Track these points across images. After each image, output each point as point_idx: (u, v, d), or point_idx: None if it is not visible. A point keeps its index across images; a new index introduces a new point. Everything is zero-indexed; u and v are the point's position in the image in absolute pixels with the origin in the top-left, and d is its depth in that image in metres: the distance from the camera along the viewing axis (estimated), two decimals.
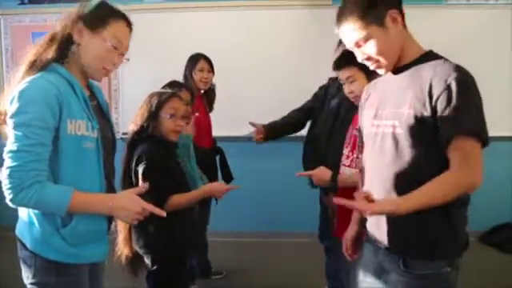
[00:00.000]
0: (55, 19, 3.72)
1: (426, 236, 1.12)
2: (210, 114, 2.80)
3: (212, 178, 2.54)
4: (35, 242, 1.17)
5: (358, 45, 1.16)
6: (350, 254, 1.46)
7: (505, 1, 3.38)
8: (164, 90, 1.88)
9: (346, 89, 1.71)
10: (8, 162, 1.06)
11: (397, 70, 1.19)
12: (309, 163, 2.23)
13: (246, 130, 2.58)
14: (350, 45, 1.19)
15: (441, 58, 1.16)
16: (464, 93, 1.05)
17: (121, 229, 1.76)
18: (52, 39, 1.20)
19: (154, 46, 3.55)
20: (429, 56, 1.17)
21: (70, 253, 1.18)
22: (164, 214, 1.21)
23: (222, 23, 3.52)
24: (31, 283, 1.19)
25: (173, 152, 1.84)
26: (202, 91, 2.68)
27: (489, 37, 3.37)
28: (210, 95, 2.77)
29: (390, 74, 1.22)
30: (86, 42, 1.20)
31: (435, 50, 1.22)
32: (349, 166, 1.73)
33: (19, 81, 1.14)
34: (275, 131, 2.42)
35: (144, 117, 1.74)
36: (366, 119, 1.30)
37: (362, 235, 1.39)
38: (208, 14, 3.53)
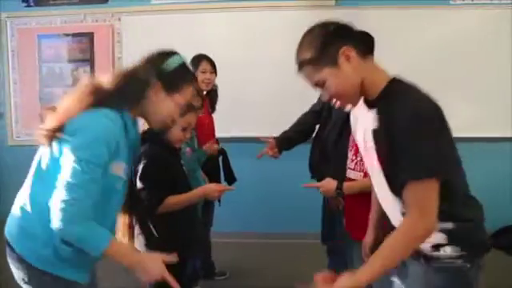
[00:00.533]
0: (60, 21, 3.78)
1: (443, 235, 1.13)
2: (213, 115, 2.80)
3: (215, 179, 2.54)
4: (27, 250, 1.20)
5: (317, 87, 1.16)
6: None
7: (510, 0, 3.35)
8: None
9: (325, 96, 1.72)
10: (62, 193, 1.09)
11: (369, 104, 1.17)
12: (316, 166, 2.22)
13: (249, 131, 2.58)
14: (312, 87, 1.18)
15: (403, 87, 1.13)
16: (415, 133, 1.03)
17: (120, 227, 1.76)
18: (125, 79, 1.22)
19: (159, 47, 3.57)
20: (392, 86, 1.13)
21: (56, 264, 1.20)
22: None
23: (226, 24, 3.53)
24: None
25: (176, 154, 1.84)
26: (205, 92, 2.68)
27: (493, 36, 3.34)
28: (212, 96, 2.76)
29: (365, 106, 1.20)
30: (159, 100, 1.25)
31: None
32: (353, 169, 1.75)
33: (85, 106, 1.16)
34: (289, 142, 2.33)
35: None
36: (359, 145, 1.30)
37: (380, 239, 1.40)
38: (213, 16, 3.55)
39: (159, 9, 3.58)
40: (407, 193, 1.07)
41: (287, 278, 2.82)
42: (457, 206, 1.13)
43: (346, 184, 1.73)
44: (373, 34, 1.45)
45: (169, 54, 1.28)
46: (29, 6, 3.77)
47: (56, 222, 1.09)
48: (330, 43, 1.10)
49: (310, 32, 1.15)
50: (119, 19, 3.65)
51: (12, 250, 1.22)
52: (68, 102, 1.19)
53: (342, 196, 1.76)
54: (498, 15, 3.35)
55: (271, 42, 3.47)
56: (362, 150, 1.28)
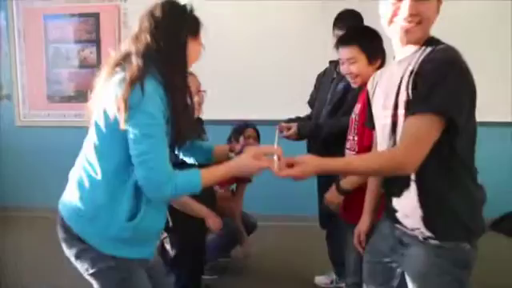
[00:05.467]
0: (65, 1, 3.72)
1: (447, 215, 1.12)
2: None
3: None
4: (95, 236, 1.20)
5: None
6: (363, 247, 1.47)
7: None
8: None
9: (345, 69, 1.71)
10: (138, 157, 1.13)
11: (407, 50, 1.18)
12: (313, 151, 2.21)
13: (253, 113, 2.57)
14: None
15: (439, 43, 1.13)
16: (437, 73, 1.04)
17: None
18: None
19: None
20: (428, 42, 1.14)
21: (125, 248, 1.22)
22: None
23: (232, 12, 3.46)
24: (91, 274, 1.22)
25: None
26: None
27: (491, 24, 3.29)
28: None
29: (394, 62, 1.22)
30: (191, 47, 1.26)
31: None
32: (349, 148, 1.73)
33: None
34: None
35: None
36: (376, 110, 1.29)
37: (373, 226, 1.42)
38: (216, 3, 3.48)
39: None
40: (405, 125, 1.07)
41: (290, 260, 2.86)
42: (466, 177, 1.12)
43: (344, 182, 1.68)
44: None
45: (177, 3, 1.27)
46: None
47: (149, 186, 1.14)
48: None
49: None
50: None
51: (68, 229, 1.21)
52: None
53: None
54: (497, 3, 3.28)
55: (276, 28, 3.41)
56: (380, 112, 1.25)
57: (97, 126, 1.18)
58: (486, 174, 1.20)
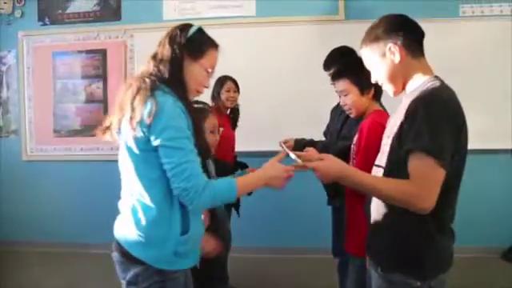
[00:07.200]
0: (74, 38, 3.82)
1: (404, 252, 1.19)
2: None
3: None
4: (155, 256, 1.23)
5: (370, 67, 1.30)
6: None
7: None
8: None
9: (341, 101, 1.83)
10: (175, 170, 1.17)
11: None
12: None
13: (261, 145, 2.59)
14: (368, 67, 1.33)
15: (435, 83, 1.20)
16: (424, 115, 1.10)
17: None
18: (161, 65, 1.34)
19: None
20: (431, 79, 1.23)
21: (182, 260, 1.29)
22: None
23: (237, 40, 3.55)
24: None
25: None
26: (229, 110, 2.86)
27: (503, 49, 3.34)
28: (235, 113, 2.93)
29: (406, 95, 1.31)
30: (189, 69, 1.32)
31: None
32: None
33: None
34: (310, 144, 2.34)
35: None
36: (383, 145, 1.35)
37: None
38: (224, 32, 3.56)
39: (171, 25, 3.62)
40: (414, 161, 1.10)
41: None
42: (430, 224, 1.15)
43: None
44: None
45: (185, 26, 1.35)
46: (44, 24, 3.87)
47: (187, 196, 1.15)
48: (380, 37, 1.24)
49: (378, 21, 1.29)
50: (132, 36, 3.72)
51: (126, 252, 1.25)
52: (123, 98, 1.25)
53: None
54: (504, 27, 3.35)
55: (282, 56, 3.50)
56: (383, 140, 1.32)
57: (129, 150, 1.23)
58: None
